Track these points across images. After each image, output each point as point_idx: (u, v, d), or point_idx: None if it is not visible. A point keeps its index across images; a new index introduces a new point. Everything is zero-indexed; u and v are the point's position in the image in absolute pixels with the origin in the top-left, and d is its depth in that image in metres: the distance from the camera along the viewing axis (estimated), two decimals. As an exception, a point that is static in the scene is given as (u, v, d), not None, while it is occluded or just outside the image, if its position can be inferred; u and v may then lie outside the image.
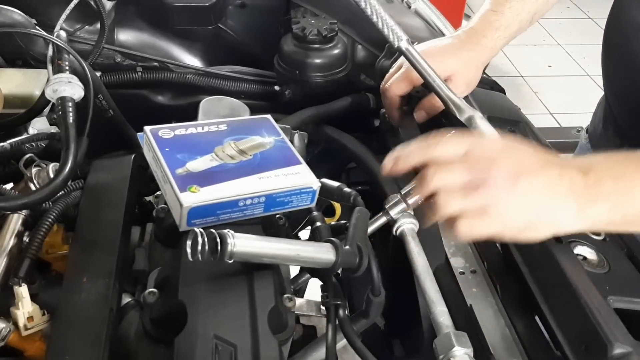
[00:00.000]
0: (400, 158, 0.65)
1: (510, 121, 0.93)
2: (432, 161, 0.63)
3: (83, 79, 0.78)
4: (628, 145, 1.04)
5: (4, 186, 0.72)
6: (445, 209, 0.62)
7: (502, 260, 0.75)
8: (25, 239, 0.70)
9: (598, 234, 0.72)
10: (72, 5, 0.90)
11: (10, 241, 0.69)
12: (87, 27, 1.10)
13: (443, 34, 1.17)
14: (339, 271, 0.64)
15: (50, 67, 0.80)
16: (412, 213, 0.75)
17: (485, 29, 0.92)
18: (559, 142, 1.91)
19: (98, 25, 1.03)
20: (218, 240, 0.55)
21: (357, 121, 1.05)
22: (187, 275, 0.61)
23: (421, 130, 0.99)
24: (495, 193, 0.60)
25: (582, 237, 0.71)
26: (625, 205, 0.61)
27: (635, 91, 0.99)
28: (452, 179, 0.61)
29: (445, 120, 0.93)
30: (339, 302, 0.66)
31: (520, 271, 0.70)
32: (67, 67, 0.78)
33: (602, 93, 1.14)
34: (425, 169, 0.63)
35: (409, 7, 1.25)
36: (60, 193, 0.72)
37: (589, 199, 0.61)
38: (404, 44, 0.84)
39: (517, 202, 0.60)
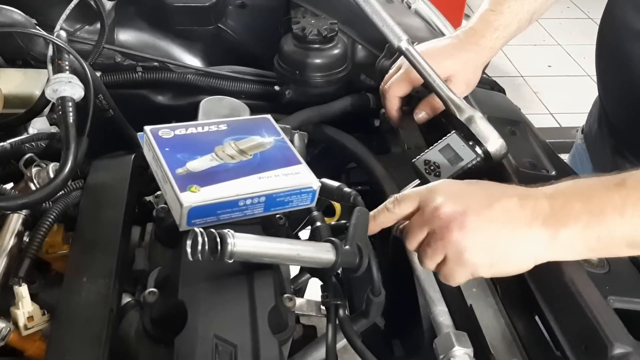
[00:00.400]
0: (371, 220, 0.68)
1: (510, 121, 0.93)
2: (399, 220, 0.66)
3: (83, 78, 0.78)
4: (622, 145, 1.04)
5: (4, 186, 0.72)
6: (427, 266, 0.64)
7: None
8: (25, 238, 0.70)
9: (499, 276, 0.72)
10: (72, 5, 0.90)
11: (10, 241, 0.69)
12: (87, 27, 1.10)
13: (443, 34, 1.17)
14: (339, 271, 0.64)
15: (50, 67, 0.80)
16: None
17: (485, 29, 0.92)
18: (559, 142, 1.91)
19: (98, 25, 1.03)
20: (218, 240, 0.55)
21: (357, 121, 1.05)
22: (187, 275, 0.61)
23: (421, 131, 0.99)
24: (450, 235, 0.60)
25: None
26: (597, 227, 0.58)
27: (628, 92, 0.99)
28: (416, 237, 0.64)
29: (446, 120, 0.93)
30: (339, 302, 0.66)
31: (520, 271, 0.70)
32: (67, 67, 0.78)
33: (600, 93, 1.15)
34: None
35: (409, 7, 1.25)
36: (60, 193, 0.72)
37: (558, 221, 0.59)
38: (404, 44, 0.84)
39: (474, 238, 0.60)
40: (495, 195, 0.62)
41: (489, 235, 0.60)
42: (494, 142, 0.75)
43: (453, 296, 0.71)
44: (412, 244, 0.65)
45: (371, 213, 0.68)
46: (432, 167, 0.74)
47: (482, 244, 0.60)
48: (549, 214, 0.59)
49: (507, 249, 0.61)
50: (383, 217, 0.67)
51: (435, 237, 0.61)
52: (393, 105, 0.92)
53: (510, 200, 0.61)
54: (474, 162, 0.73)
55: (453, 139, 0.76)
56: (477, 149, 0.73)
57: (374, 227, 0.68)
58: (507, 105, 1.05)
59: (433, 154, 0.75)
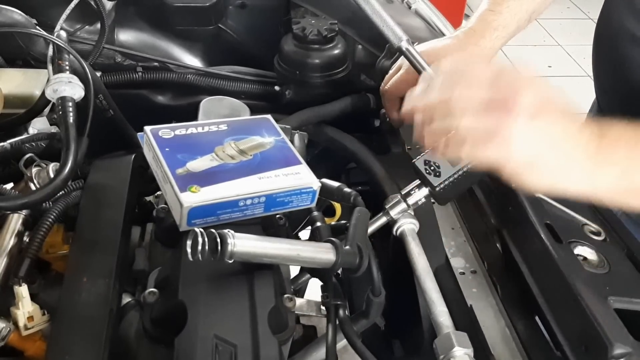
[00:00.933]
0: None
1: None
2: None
3: (83, 79, 0.78)
4: None
5: (4, 186, 0.72)
6: (456, 120, 0.59)
7: (502, 261, 0.75)
8: (26, 238, 0.70)
9: (598, 234, 0.72)
10: (72, 5, 0.90)
11: (10, 241, 0.69)
12: (87, 27, 1.10)
13: (443, 34, 1.17)
14: (339, 271, 0.64)
15: (50, 67, 0.80)
16: (412, 213, 0.76)
17: (484, 29, 0.92)
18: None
19: (98, 25, 1.03)
20: (218, 240, 0.55)
21: (357, 121, 1.05)
22: (187, 275, 0.61)
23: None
24: (511, 118, 0.57)
25: (582, 238, 0.70)
26: (633, 173, 0.61)
27: (624, 95, 0.99)
28: (472, 93, 0.59)
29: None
30: (339, 302, 0.66)
31: (521, 271, 0.70)
32: (67, 67, 0.78)
33: (600, 94, 1.15)
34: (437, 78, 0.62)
35: (409, 8, 1.25)
36: (61, 193, 0.72)
37: (600, 161, 0.60)
38: (404, 44, 0.84)
39: (530, 135, 0.58)
40: (564, 112, 0.61)
41: (543, 139, 0.59)
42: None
43: (453, 296, 0.72)
44: (462, 90, 0.59)
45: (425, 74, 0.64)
46: (432, 168, 0.74)
47: (533, 144, 0.58)
48: (595, 152, 0.60)
49: (547, 162, 0.59)
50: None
51: (497, 107, 0.57)
52: (393, 105, 0.92)
53: (575, 123, 0.61)
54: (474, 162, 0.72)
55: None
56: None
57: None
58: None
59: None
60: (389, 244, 0.79)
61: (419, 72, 0.84)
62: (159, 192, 0.84)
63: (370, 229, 0.73)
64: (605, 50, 1.05)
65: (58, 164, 0.71)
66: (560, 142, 0.60)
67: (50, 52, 0.81)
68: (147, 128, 0.73)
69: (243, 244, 0.56)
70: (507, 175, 0.60)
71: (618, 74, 0.99)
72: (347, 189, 0.73)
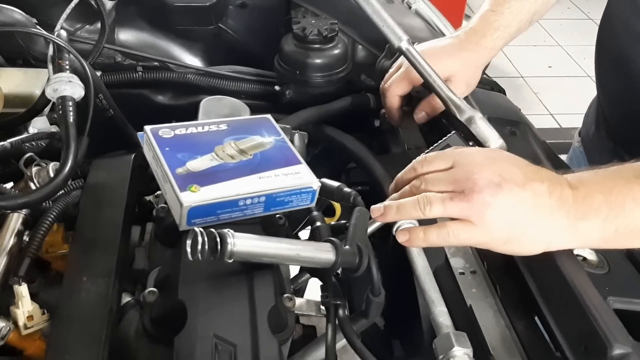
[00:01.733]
0: (395, 183, 0.68)
1: (510, 122, 0.93)
2: (422, 176, 0.65)
3: (83, 78, 0.78)
4: (620, 147, 1.04)
5: (4, 185, 0.72)
6: (432, 211, 0.62)
7: (502, 261, 0.75)
8: (25, 238, 0.70)
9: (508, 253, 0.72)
10: (72, 4, 0.90)
11: (10, 240, 0.69)
12: (87, 26, 1.10)
13: (443, 35, 1.17)
14: (339, 271, 0.64)
15: (50, 66, 0.80)
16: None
17: (485, 30, 0.92)
18: (559, 143, 1.91)
19: (98, 25, 1.03)
20: (218, 239, 0.55)
21: (357, 121, 1.05)
22: (187, 274, 0.61)
23: (421, 131, 0.99)
24: (477, 202, 0.60)
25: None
26: (616, 219, 0.60)
27: (627, 95, 0.99)
28: (438, 187, 0.63)
29: (446, 120, 0.93)
30: (338, 302, 0.66)
31: (520, 272, 0.70)
32: (67, 67, 0.78)
33: (601, 94, 1.14)
34: (413, 181, 0.65)
35: (410, 8, 1.25)
36: (61, 192, 0.72)
37: (579, 213, 0.60)
38: (404, 44, 0.84)
39: (501, 213, 0.60)
40: (529, 176, 0.62)
41: (515, 213, 0.60)
42: (494, 142, 0.75)
43: (453, 296, 0.72)
44: (431, 190, 0.63)
45: (398, 176, 0.68)
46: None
47: (507, 220, 0.60)
48: (572, 206, 0.60)
49: (526, 231, 0.61)
50: (407, 176, 0.67)
51: (462, 197, 0.60)
52: (393, 104, 0.92)
53: (541, 185, 0.61)
54: (474, 162, 0.72)
55: (453, 140, 0.76)
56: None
57: (398, 188, 0.67)
58: (508, 106, 1.05)
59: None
60: (388, 244, 0.79)
61: (419, 73, 0.84)
62: (158, 192, 0.84)
63: (370, 229, 0.73)
64: (608, 49, 1.05)
65: (58, 163, 0.71)
66: (533, 209, 0.60)
67: (50, 51, 0.81)
68: (147, 127, 0.73)
69: (243, 243, 0.56)
70: (495, 250, 0.63)
71: (621, 74, 0.99)
72: (346, 189, 0.73)
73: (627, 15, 0.95)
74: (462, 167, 0.63)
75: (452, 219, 0.62)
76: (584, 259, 0.69)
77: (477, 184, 0.60)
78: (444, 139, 0.78)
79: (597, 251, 0.69)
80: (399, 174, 0.68)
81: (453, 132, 0.78)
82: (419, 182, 0.65)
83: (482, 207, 0.60)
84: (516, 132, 0.91)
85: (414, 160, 0.67)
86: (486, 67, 0.98)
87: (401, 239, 0.64)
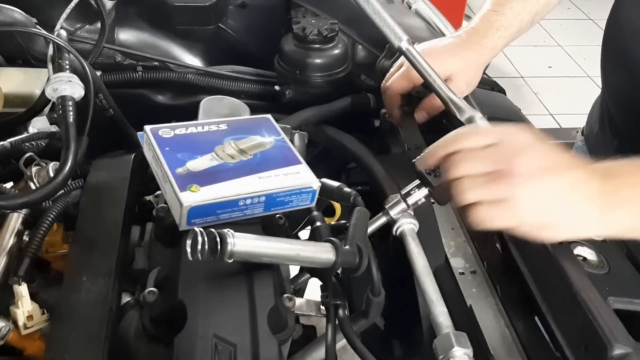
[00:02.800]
0: (432, 151, 0.67)
1: (510, 122, 0.93)
2: (461, 150, 0.64)
3: (83, 78, 0.78)
4: (626, 146, 1.04)
5: (4, 185, 0.72)
6: (465, 195, 0.62)
7: (502, 261, 0.75)
8: (25, 237, 0.70)
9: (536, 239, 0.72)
10: (72, 4, 0.90)
11: (10, 240, 0.69)
12: (87, 26, 1.10)
13: (443, 34, 1.17)
14: (339, 271, 0.64)
15: (50, 66, 0.80)
16: (412, 213, 0.75)
17: (486, 29, 0.92)
18: (559, 143, 1.91)
19: (98, 25, 1.03)
20: (218, 239, 0.55)
21: (357, 121, 1.05)
22: (186, 274, 0.61)
23: (421, 131, 0.99)
24: (517, 185, 0.60)
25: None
26: None
27: (634, 93, 0.99)
28: (477, 167, 0.62)
29: (446, 120, 0.93)
30: (338, 302, 0.66)
31: (520, 272, 0.70)
32: (67, 66, 0.78)
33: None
34: (452, 155, 0.64)
35: (410, 8, 1.25)
36: (60, 192, 0.72)
37: (610, 204, 0.61)
38: (404, 44, 0.84)
39: (538, 198, 0.60)
40: (568, 162, 0.62)
41: (552, 199, 0.61)
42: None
43: (453, 297, 0.71)
44: (463, 171, 0.62)
45: (431, 146, 0.67)
46: (432, 168, 0.74)
47: (543, 205, 0.61)
48: (604, 196, 0.61)
49: (559, 218, 0.62)
50: (446, 147, 0.65)
51: (503, 178, 0.60)
52: (394, 102, 0.92)
53: (580, 173, 0.62)
54: (474, 162, 0.72)
55: (453, 139, 0.76)
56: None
57: (432, 161, 0.66)
58: (508, 106, 1.05)
59: (433, 154, 0.75)
60: (388, 244, 0.79)
61: (419, 73, 0.84)
62: (158, 192, 0.84)
63: (370, 229, 0.73)
64: (614, 48, 1.05)
65: (58, 163, 0.71)
66: (570, 196, 0.61)
67: (50, 51, 0.81)
68: (147, 127, 0.73)
69: (243, 243, 0.56)
70: (523, 234, 0.63)
71: (627, 72, 0.99)
72: (346, 189, 0.73)
73: (634, 16, 0.95)
74: (505, 147, 0.62)
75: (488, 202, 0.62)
76: (584, 259, 0.69)
77: (518, 167, 0.60)
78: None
79: (597, 251, 0.69)
80: (440, 141, 0.66)
81: (453, 132, 0.78)
82: (457, 157, 0.63)
83: (522, 191, 0.60)
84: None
85: (455, 131, 0.66)
86: (486, 67, 0.98)
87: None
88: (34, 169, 0.75)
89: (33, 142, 0.82)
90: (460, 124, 0.80)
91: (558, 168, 0.62)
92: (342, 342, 0.66)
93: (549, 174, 0.61)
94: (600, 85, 1.13)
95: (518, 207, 0.61)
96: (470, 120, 0.79)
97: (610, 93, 1.09)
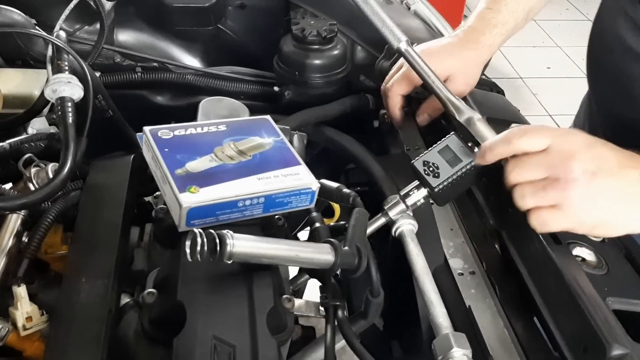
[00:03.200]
0: (487, 151, 0.68)
1: (509, 122, 0.93)
2: (515, 154, 0.65)
3: (82, 79, 0.78)
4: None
5: (3, 186, 0.72)
6: (525, 201, 0.64)
7: (500, 262, 0.75)
8: (24, 239, 0.70)
9: (596, 235, 0.72)
10: (71, 5, 0.90)
11: (9, 241, 0.69)
12: (86, 27, 1.10)
13: (442, 35, 1.17)
14: (338, 272, 0.64)
15: (49, 67, 0.80)
16: (411, 214, 0.76)
17: (484, 27, 0.92)
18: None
19: (97, 26, 1.03)
20: (217, 240, 0.55)
21: (356, 122, 1.05)
22: (186, 275, 0.61)
23: (420, 132, 0.99)
24: (571, 190, 0.62)
25: (580, 239, 0.70)
26: None
27: (620, 106, 0.99)
28: (530, 174, 0.64)
29: (445, 121, 0.93)
30: (337, 303, 0.66)
31: (519, 272, 0.70)
32: (66, 67, 0.78)
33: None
34: (507, 164, 0.66)
35: (409, 9, 1.25)
36: (60, 193, 0.72)
37: None
38: (403, 45, 0.84)
39: (592, 200, 0.62)
40: (622, 162, 0.64)
41: (606, 200, 0.62)
42: (493, 143, 0.75)
43: (452, 297, 0.72)
44: (521, 177, 0.65)
45: (486, 143, 0.68)
46: (431, 168, 0.74)
47: (598, 207, 0.63)
48: None
49: (614, 217, 0.63)
50: (501, 148, 0.67)
51: (557, 184, 0.62)
52: (395, 103, 0.92)
53: (635, 172, 0.63)
54: (472, 163, 0.73)
55: (452, 140, 0.76)
56: (476, 150, 0.74)
57: (491, 157, 0.68)
58: (506, 107, 1.05)
59: (432, 155, 0.75)
60: (387, 245, 0.79)
61: (418, 74, 0.84)
62: (158, 193, 0.84)
63: (369, 230, 0.73)
64: (604, 67, 1.04)
65: (57, 164, 0.71)
66: (623, 197, 0.63)
67: (49, 52, 0.81)
68: (147, 128, 0.73)
69: (242, 244, 0.56)
70: (581, 232, 0.66)
71: (619, 93, 0.99)
72: (346, 190, 0.73)
73: (622, 31, 0.94)
74: (559, 153, 0.63)
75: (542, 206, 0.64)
76: (583, 259, 0.69)
77: (573, 172, 0.62)
78: (442, 139, 0.78)
79: (596, 252, 0.70)
80: (491, 142, 0.68)
81: (452, 133, 0.78)
82: (511, 168, 0.65)
83: (576, 196, 0.62)
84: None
85: (509, 131, 0.67)
86: (485, 67, 0.98)
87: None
88: (33, 170, 0.75)
89: (32, 143, 0.82)
90: (459, 124, 0.80)
91: (611, 170, 0.63)
92: (341, 343, 0.66)
93: (601, 177, 0.62)
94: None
95: (573, 210, 0.63)
96: (469, 122, 0.79)
97: (600, 106, 1.09)
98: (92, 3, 0.99)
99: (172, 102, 1.12)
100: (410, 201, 0.74)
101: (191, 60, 1.20)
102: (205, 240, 0.55)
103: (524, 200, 0.64)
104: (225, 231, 0.56)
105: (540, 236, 0.68)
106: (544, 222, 0.64)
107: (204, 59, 1.22)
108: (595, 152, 0.64)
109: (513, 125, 0.74)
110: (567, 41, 4.04)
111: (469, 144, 0.74)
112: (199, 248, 0.55)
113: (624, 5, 0.95)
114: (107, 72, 1.06)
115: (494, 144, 0.68)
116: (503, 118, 0.94)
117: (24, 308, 0.64)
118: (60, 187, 0.68)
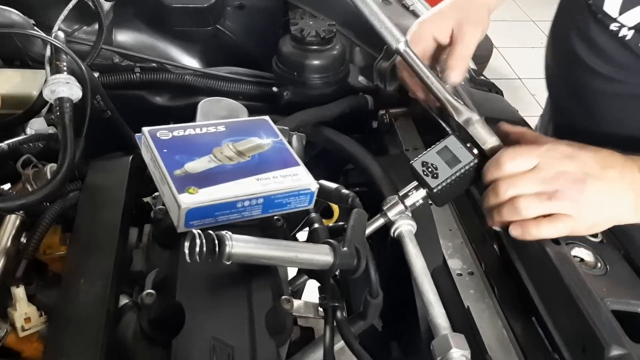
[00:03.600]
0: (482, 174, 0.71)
1: (508, 123, 0.93)
2: (505, 177, 0.69)
3: (81, 79, 0.78)
4: None
5: (1, 187, 0.72)
6: (524, 213, 0.67)
7: (499, 262, 0.75)
8: (23, 239, 0.70)
9: (595, 236, 0.72)
10: (70, 5, 0.90)
11: (7, 242, 0.69)
12: (85, 27, 1.10)
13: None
14: (337, 273, 0.64)
15: (48, 67, 0.80)
16: (410, 215, 0.76)
17: None
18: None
19: (96, 26, 1.03)
20: (216, 241, 0.55)
21: (355, 123, 1.05)
22: (184, 276, 0.61)
23: (419, 132, 0.99)
24: (568, 200, 0.66)
25: (579, 239, 0.71)
26: None
27: (582, 120, 0.99)
28: (526, 189, 0.67)
29: (443, 122, 0.93)
30: (336, 304, 0.66)
31: (518, 273, 0.70)
32: (65, 68, 0.78)
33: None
34: (496, 182, 0.69)
35: (407, 9, 1.25)
36: (58, 194, 0.72)
37: None
38: (402, 46, 0.84)
39: (587, 206, 0.67)
40: (603, 164, 0.68)
41: (598, 201, 0.67)
42: (491, 144, 0.75)
43: (450, 298, 0.72)
44: (517, 192, 0.68)
45: (484, 169, 0.71)
46: (429, 169, 0.74)
47: (594, 209, 0.67)
48: (638, 188, 0.67)
49: (608, 215, 0.68)
50: (494, 172, 0.70)
51: (557, 196, 0.66)
52: (426, 50, 0.87)
53: (614, 171, 0.67)
54: (471, 164, 0.73)
55: (451, 141, 0.76)
56: (475, 150, 0.74)
57: (485, 180, 0.71)
58: (505, 107, 1.05)
59: (430, 155, 0.75)
60: (386, 246, 0.79)
61: (417, 74, 0.84)
62: (156, 193, 0.84)
63: (368, 231, 0.73)
64: (560, 79, 1.04)
65: (55, 164, 0.71)
66: (610, 196, 0.67)
67: (48, 52, 0.81)
68: (145, 129, 0.73)
69: (241, 245, 0.56)
70: (581, 233, 0.70)
71: (576, 103, 0.99)
72: (345, 191, 0.73)
73: (579, 48, 0.94)
74: (548, 169, 0.67)
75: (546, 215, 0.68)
76: (582, 260, 0.69)
77: (566, 183, 0.66)
78: (441, 140, 0.78)
79: (595, 252, 0.70)
80: (486, 168, 0.71)
81: (451, 133, 0.78)
82: (506, 185, 0.68)
83: (576, 203, 0.66)
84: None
85: (499, 155, 0.70)
86: (484, 66, 0.98)
87: (514, 233, 0.69)
88: (32, 170, 0.75)
89: (31, 144, 0.81)
90: (457, 125, 0.80)
91: (594, 173, 0.67)
92: (340, 344, 0.66)
93: (589, 182, 0.66)
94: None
95: (571, 217, 0.67)
96: (467, 122, 0.79)
97: (561, 116, 1.09)
98: (90, 3, 0.99)
99: (170, 103, 1.12)
100: (409, 202, 0.74)
101: (190, 61, 1.20)
102: (204, 241, 0.55)
103: (528, 210, 0.67)
104: (224, 232, 0.56)
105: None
106: (546, 231, 0.67)
107: (203, 60, 1.22)
108: (578, 160, 0.68)
109: (501, 123, 0.78)
110: (566, 41, 4.04)
111: (468, 145, 0.74)
112: (197, 249, 0.55)
113: (576, 19, 0.94)
114: (105, 73, 1.06)
115: (486, 169, 0.71)
116: (502, 119, 0.94)
117: (23, 309, 0.64)
118: (58, 187, 0.68)
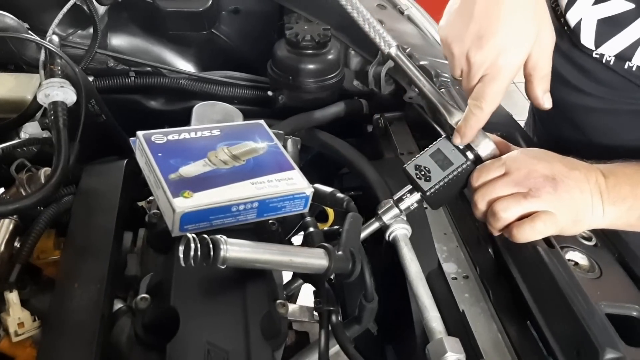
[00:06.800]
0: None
1: (502, 127, 0.94)
2: (478, 188, 0.71)
3: (75, 83, 0.78)
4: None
5: (-5, 191, 0.72)
6: (504, 215, 0.68)
7: (494, 266, 0.75)
8: (17, 244, 0.70)
9: (589, 240, 0.73)
10: (65, 9, 0.90)
11: (1, 246, 0.68)
12: (79, 31, 1.10)
13: (436, 40, 1.17)
14: (332, 277, 0.64)
15: (42, 71, 0.80)
16: (405, 218, 0.76)
17: None
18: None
19: (91, 30, 1.03)
20: (211, 245, 0.55)
21: (350, 126, 1.05)
22: (179, 281, 0.61)
23: (414, 136, 0.99)
24: (543, 195, 0.67)
25: (573, 243, 0.71)
26: (639, 209, 0.68)
27: (567, 132, 0.99)
28: (500, 192, 0.68)
29: (437, 125, 0.94)
30: (331, 308, 0.66)
31: (513, 277, 0.70)
32: (59, 72, 0.78)
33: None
34: (473, 197, 0.71)
35: (402, 13, 1.25)
36: (52, 198, 0.72)
37: (610, 199, 0.68)
38: (393, 50, 0.84)
39: (563, 200, 0.67)
40: (567, 165, 0.69)
41: (572, 199, 0.67)
42: (484, 146, 0.75)
43: (445, 302, 0.72)
44: (494, 194, 0.69)
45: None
46: (422, 172, 0.74)
47: (569, 206, 0.68)
48: (604, 190, 0.68)
49: (580, 214, 0.68)
50: (471, 188, 0.71)
51: (530, 195, 0.67)
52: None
53: (579, 173, 0.69)
54: (464, 166, 0.73)
55: (443, 143, 0.76)
56: (468, 153, 0.74)
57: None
58: (499, 112, 1.05)
59: (423, 159, 0.75)
60: (381, 249, 0.79)
61: (409, 78, 0.84)
62: (151, 198, 0.83)
63: (363, 235, 0.73)
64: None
65: (49, 169, 0.71)
66: (580, 194, 0.68)
67: (42, 56, 0.81)
68: (140, 133, 0.72)
69: (236, 249, 0.56)
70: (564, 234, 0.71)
71: (561, 117, 0.99)
72: (340, 194, 0.73)
73: (555, 62, 0.93)
74: (518, 171, 0.68)
75: (525, 215, 0.68)
76: (576, 263, 0.69)
77: (539, 181, 0.67)
78: (434, 143, 0.78)
79: (589, 256, 0.70)
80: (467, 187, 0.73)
81: (444, 136, 0.78)
82: (482, 195, 0.70)
83: (552, 196, 0.67)
84: (508, 137, 0.91)
85: (471, 176, 0.72)
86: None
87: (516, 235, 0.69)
88: (26, 174, 0.75)
89: (25, 148, 0.81)
90: (450, 127, 0.80)
91: (562, 173, 0.68)
92: (335, 348, 0.66)
93: (559, 179, 0.67)
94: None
95: (551, 215, 0.67)
96: (461, 125, 0.79)
97: (545, 129, 1.10)
98: (85, 7, 0.98)
99: (165, 107, 1.12)
100: (403, 205, 0.74)
101: (185, 65, 1.20)
102: (198, 245, 0.55)
103: (509, 211, 0.68)
104: (218, 236, 0.56)
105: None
106: (532, 232, 0.67)
107: (198, 64, 1.22)
108: (545, 161, 0.69)
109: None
110: (560, 46, 4.06)
111: (461, 147, 0.75)
112: (192, 253, 0.55)
113: (559, 44, 0.93)
114: (100, 77, 1.06)
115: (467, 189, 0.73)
116: (495, 122, 0.94)
117: (16, 314, 0.64)
118: (52, 192, 0.68)
